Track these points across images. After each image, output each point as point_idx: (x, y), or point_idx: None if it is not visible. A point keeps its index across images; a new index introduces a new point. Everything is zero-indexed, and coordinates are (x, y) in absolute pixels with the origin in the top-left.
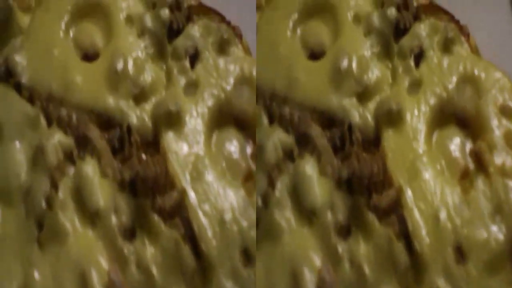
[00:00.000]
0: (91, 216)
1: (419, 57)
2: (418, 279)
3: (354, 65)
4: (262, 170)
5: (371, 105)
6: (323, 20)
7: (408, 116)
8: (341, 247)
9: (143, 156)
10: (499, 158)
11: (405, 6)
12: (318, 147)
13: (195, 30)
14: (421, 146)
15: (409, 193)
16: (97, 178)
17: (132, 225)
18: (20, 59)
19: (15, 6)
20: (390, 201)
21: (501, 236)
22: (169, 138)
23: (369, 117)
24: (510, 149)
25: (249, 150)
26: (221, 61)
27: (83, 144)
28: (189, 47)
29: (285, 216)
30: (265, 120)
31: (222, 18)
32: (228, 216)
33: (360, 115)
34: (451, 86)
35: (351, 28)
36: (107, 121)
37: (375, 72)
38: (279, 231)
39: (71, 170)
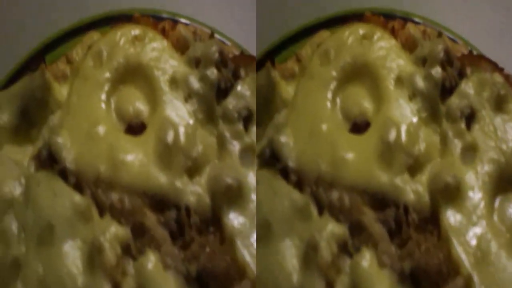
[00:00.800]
0: None
1: (470, 118)
2: None
3: (403, 136)
4: (317, 270)
5: (423, 177)
6: (363, 84)
7: (466, 188)
8: None
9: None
10: None
11: (449, 62)
12: (373, 236)
13: (469, 87)
14: (483, 221)
15: (476, 280)
16: (160, 273)
17: None
18: (62, 141)
19: (51, 80)
20: None
21: None
22: (448, 215)
23: (424, 194)
24: None
25: None
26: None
27: (140, 234)
28: (465, 107)
29: None
30: (314, 211)
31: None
32: None
33: (414, 192)
34: (508, 149)
35: (394, 93)
36: (161, 202)
37: (425, 140)
38: None
39: (130, 267)
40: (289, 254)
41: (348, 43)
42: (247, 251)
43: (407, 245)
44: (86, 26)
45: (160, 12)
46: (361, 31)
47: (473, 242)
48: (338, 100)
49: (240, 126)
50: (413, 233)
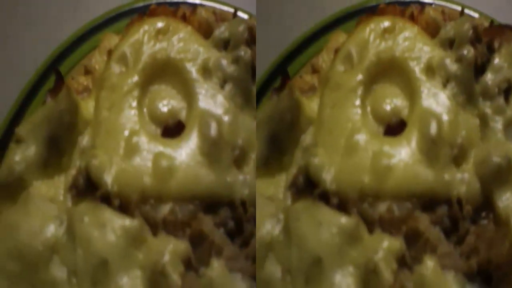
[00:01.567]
0: None
1: (508, 92)
2: None
3: (445, 126)
4: None
5: (469, 165)
6: (392, 82)
7: None
8: None
9: None
10: None
11: (477, 39)
12: (430, 240)
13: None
14: None
15: None
16: (439, 277)
17: None
18: (97, 163)
19: (78, 99)
20: None
21: None
22: (504, 198)
23: (474, 182)
24: None
25: None
26: None
27: (414, 240)
28: (501, 82)
29: None
30: (364, 232)
31: None
32: None
33: (464, 182)
34: None
35: (427, 83)
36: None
37: (464, 125)
38: None
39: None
40: (346, 285)
41: (370, 41)
42: None
43: (466, 241)
44: (97, 26)
45: None
46: (382, 26)
47: None
48: (367, 105)
49: (501, 100)
50: (470, 226)
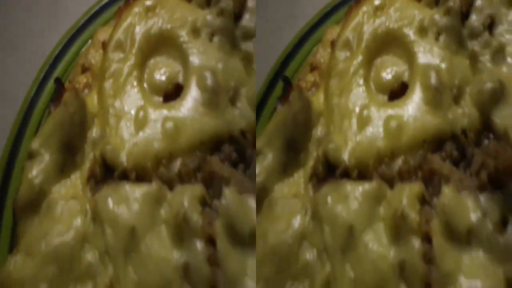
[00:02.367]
0: None
1: (492, 26)
2: None
3: (443, 74)
4: (410, 234)
5: (466, 98)
6: (390, 52)
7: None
8: None
9: None
10: None
11: None
12: (444, 174)
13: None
14: None
15: None
16: (458, 198)
17: None
18: (110, 147)
19: (84, 98)
20: None
21: None
22: (499, 115)
23: (472, 110)
24: None
25: None
26: None
27: (210, 181)
28: (485, 19)
29: None
30: (387, 189)
31: None
32: None
33: (464, 114)
34: None
35: (421, 42)
36: (440, 140)
37: (459, 67)
38: None
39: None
40: (377, 242)
41: (364, 22)
42: None
43: (474, 161)
44: (86, 21)
45: None
46: (374, 5)
47: None
48: (370, 81)
49: (487, 35)
50: (475, 150)
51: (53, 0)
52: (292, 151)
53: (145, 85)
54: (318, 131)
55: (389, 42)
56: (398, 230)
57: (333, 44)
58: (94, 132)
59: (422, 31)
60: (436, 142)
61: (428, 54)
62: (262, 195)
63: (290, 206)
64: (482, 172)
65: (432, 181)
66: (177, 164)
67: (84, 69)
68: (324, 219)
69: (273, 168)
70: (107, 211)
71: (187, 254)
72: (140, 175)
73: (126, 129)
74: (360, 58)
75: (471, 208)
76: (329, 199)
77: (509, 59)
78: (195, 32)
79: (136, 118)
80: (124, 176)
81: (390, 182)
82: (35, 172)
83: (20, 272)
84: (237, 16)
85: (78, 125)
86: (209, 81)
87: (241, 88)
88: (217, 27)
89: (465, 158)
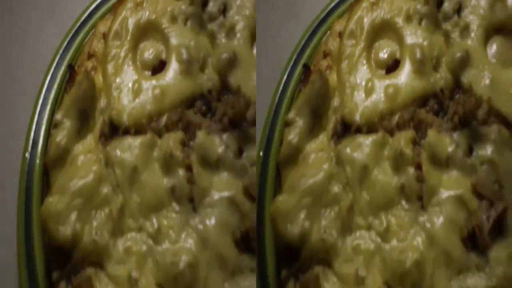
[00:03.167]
0: None
1: (459, 10)
2: None
3: (425, 50)
4: (407, 165)
5: (443, 66)
6: (385, 36)
7: (471, 53)
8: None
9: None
10: None
11: None
12: (428, 121)
13: None
14: (480, 62)
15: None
16: (207, 138)
17: None
18: (116, 111)
19: (93, 76)
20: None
21: None
22: (466, 75)
23: (447, 75)
24: None
25: None
26: None
27: (188, 128)
28: (455, 4)
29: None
30: (388, 137)
31: None
32: None
33: (443, 78)
34: (486, 11)
35: (408, 27)
36: (192, 100)
37: (436, 44)
38: None
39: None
40: (384, 174)
41: (364, 15)
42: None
43: (449, 111)
44: (87, 16)
45: None
46: (370, 1)
47: (487, 81)
48: (372, 60)
49: (456, 17)
50: (450, 103)
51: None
52: (317, 118)
53: (138, 63)
54: (335, 101)
55: (384, 29)
56: (398, 164)
57: (340, 34)
58: (101, 102)
59: (408, 18)
60: (422, 100)
61: (414, 36)
62: (296, 153)
63: (319, 157)
64: (455, 117)
65: (420, 128)
66: (164, 119)
67: (90, 56)
68: (345, 163)
69: (303, 131)
70: (115, 157)
71: (173, 180)
72: (137, 130)
73: (125, 98)
74: (362, 44)
75: (448, 142)
76: (347, 149)
77: (472, 34)
78: (173, 19)
79: (132, 89)
80: (126, 132)
81: (390, 132)
82: (60, 137)
83: (56, 206)
84: (204, 4)
85: (89, 98)
86: (184, 55)
87: (208, 59)
88: (189, 14)
89: (443, 109)
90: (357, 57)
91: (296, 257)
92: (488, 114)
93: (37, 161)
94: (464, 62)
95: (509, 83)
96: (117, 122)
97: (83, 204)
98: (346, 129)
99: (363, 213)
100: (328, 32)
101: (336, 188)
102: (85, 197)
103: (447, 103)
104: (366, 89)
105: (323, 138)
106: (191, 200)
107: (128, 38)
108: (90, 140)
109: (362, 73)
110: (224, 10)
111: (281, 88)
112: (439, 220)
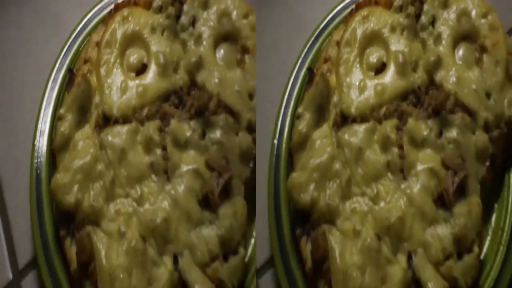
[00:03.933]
0: None
1: (433, 22)
2: None
3: (406, 55)
4: (395, 146)
5: (420, 69)
6: (375, 43)
7: (443, 57)
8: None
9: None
10: None
11: (414, 0)
12: (409, 112)
13: (428, 7)
14: (449, 63)
15: (459, 92)
16: (179, 126)
17: None
18: (107, 106)
19: (89, 78)
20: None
21: None
22: (438, 76)
23: (423, 75)
24: None
25: None
26: None
27: (164, 117)
28: (429, 18)
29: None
30: (377, 126)
31: None
32: None
33: (420, 77)
34: (454, 22)
35: (392, 36)
36: (168, 97)
37: (415, 50)
38: None
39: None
40: (374, 153)
41: (357, 27)
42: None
43: (425, 103)
44: (81, 28)
45: None
46: (362, 15)
47: (454, 79)
48: (364, 64)
49: (430, 27)
50: (425, 97)
51: (54, 14)
52: (321, 112)
53: (124, 67)
54: (335, 98)
55: (373, 38)
56: (385, 145)
57: (338, 43)
58: (96, 99)
59: (392, 29)
60: (404, 95)
61: (397, 44)
62: (305, 140)
63: (323, 142)
64: (429, 108)
65: (402, 117)
66: (145, 111)
67: (86, 61)
68: (344, 146)
69: (310, 122)
70: (107, 141)
71: (152, 157)
72: (125, 120)
73: (115, 95)
74: (356, 51)
75: (423, 128)
76: (346, 135)
77: (443, 42)
78: (153, 30)
79: (120, 88)
80: (116, 121)
81: (379, 121)
82: (64, 127)
83: (62, 180)
84: (177, 17)
85: (87, 96)
86: (161, 60)
87: (180, 62)
88: (165, 26)
89: (420, 102)
90: (352, 62)
91: (307, 219)
92: (454, 105)
93: (45, 147)
94: (437, 64)
95: (471, 81)
96: (109, 114)
97: (83, 179)
98: (344, 120)
99: (358, 184)
100: (327, 40)
101: (337, 166)
102: (85, 173)
103: (423, 97)
104: (360, 88)
105: (326, 127)
106: (166, 172)
107: (117, 46)
108: (87, 129)
109: (356, 75)
110: (193, 22)
111: (289, 88)
112: (416, 187)
